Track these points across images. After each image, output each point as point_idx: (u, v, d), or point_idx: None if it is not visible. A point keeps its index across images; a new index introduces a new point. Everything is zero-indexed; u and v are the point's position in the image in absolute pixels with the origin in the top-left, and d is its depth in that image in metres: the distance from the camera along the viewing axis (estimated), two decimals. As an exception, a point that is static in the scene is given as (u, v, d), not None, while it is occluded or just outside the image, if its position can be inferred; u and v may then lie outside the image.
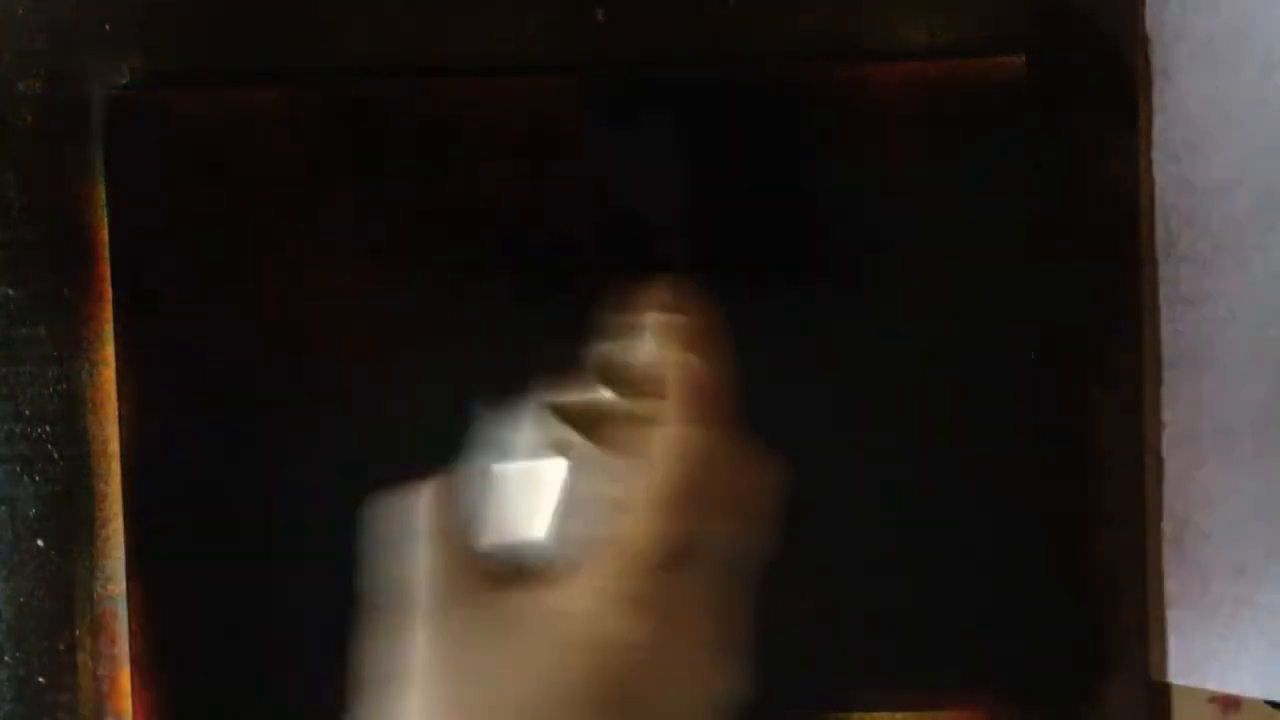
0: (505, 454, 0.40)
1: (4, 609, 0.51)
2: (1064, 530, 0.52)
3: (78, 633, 0.51)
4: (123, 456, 0.51)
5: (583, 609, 0.35)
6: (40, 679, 0.51)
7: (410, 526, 0.38)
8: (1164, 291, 0.53)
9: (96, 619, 0.51)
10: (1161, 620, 0.53)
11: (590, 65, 0.52)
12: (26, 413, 0.51)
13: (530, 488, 0.39)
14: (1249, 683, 0.52)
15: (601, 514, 0.36)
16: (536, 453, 0.39)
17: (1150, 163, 0.53)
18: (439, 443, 0.52)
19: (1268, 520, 0.52)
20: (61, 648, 0.51)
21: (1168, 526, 0.53)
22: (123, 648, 0.51)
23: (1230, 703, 0.53)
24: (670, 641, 0.35)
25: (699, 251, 0.52)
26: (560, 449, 0.38)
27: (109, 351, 0.51)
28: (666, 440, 0.37)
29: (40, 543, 0.51)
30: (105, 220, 0.51)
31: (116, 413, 0.51)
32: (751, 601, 0.38)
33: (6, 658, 0.51)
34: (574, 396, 0.40)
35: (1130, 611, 0.53)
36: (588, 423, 0.38)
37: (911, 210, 0.51)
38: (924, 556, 0.52)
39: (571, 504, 0.37)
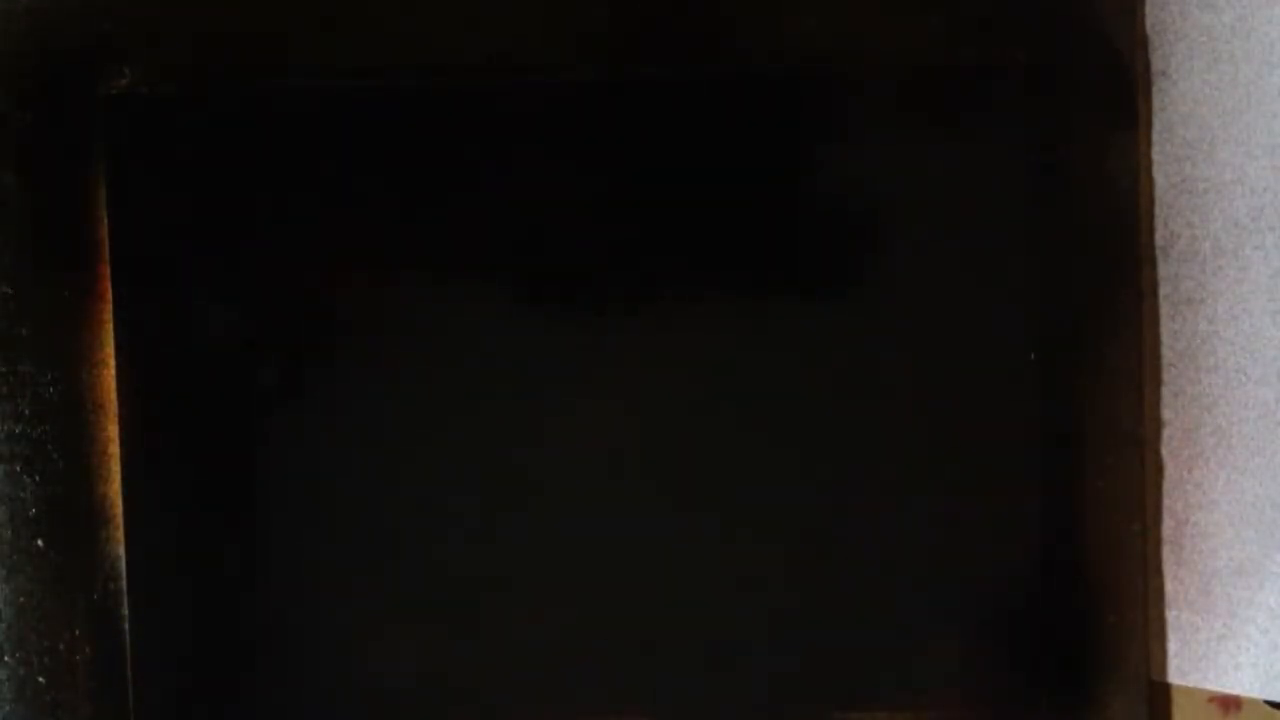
0: None
1: (4, 609, 0.51)
2: (1063, 530, 0.52)
3: (78, 633, 0.51)
4: (123, 456, 0.51)
5: None
6: (40, 679, 0.51)
7: None
8: (1164, 291, 0.53)
9: (96, 619, 0.51)
10: (1161, 620, 0.53)
11: (589, 66, 0.52)
12: (26, 413, 0.51)
13: None
14: (1249, 683, 0.52)
15: None
16: None
17: (1150, 163, 0.53)
18: (438, 444, 0.52)
19: (1268, 520, 0.52)
20: (61, 648, 0.51)
21: (1168, 526, 0.53)
22: (123, 648, 0.51)
23: (1230, 703, 0.53)
24: None
25: (695, 255, 0.52)
26: None
27: (109, 351, 0.51)
28: None
29: (40, 543, 0.51)
30: (105, 220, 0.51)
31: (116, 413, 0.51)
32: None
33: (6, 658, 0.51)
34: None
35: (1130, 611, 0.53)
36: None
37: (910, 210, 0.51)
38: (923, 556, 0.52)
39: None
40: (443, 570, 0.51)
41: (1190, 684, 0.53)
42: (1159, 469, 0.53)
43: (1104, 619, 0.53)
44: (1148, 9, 0.53)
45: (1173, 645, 0.53)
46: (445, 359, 0.51)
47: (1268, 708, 0.53)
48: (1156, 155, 0.53)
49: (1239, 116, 0.52)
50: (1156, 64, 0.53)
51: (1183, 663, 0.53)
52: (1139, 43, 0.53)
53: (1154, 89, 0.53)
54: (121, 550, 0.51)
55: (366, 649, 0.52)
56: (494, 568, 0.51)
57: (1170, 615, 0.53)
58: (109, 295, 0.51)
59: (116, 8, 0.51)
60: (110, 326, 0.51)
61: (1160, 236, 0.53)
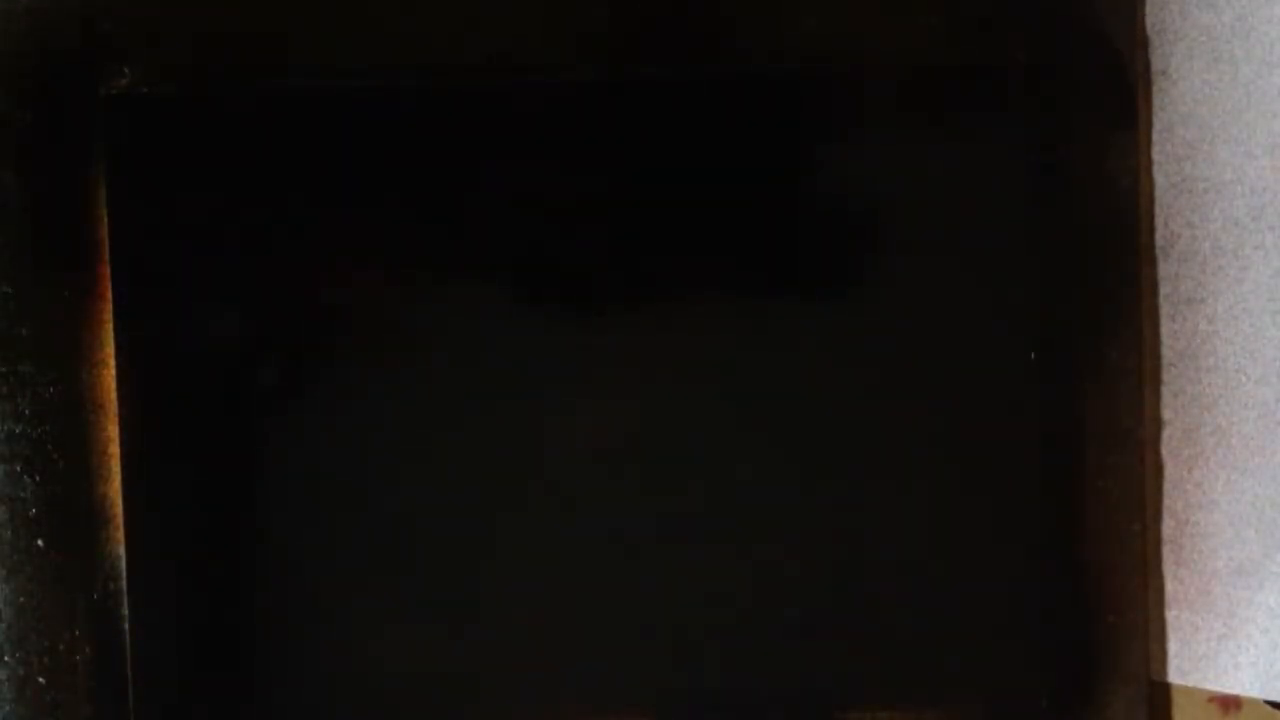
0: None
1: (4, 609, 0.51)
2: (1063, 529, 0.52)
3: (78, 633, 0.51)
4: (123, 456, 0.51)
5: None
6: (40, 679, 0.51)
7: None
8: (1164, 291, 0.53)
9: (96, 619, 0.51)
10: (1161, 620, 0.53)
11: (589, 66, 0.52)
12: (26, 413, 0.51)
13: None
14: (1249, 683, 0.52)
15: None
16: None
17: (1150, 163, 0.53)
18: (438, 444, 0.52)
19: (1268, 520, 0.52)
20: (61, 648, 0.51)
21: (1168, 526, 0.53)
22: (123, 648, 0.51)
23: (1230, 703, 0.53)
24: None
25: (695, 255, 0.52)
26: None
27: (109, 351, 0.51)
28: None
29: (40, 543, 0.51)
30: (105, 220, 0.51)
31: (116, 413, 0.51)
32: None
33: (6, 658, 0.51)
34: None
35: (1130, 611, 0.53)
36: None
37: (910, 210, 0.51)
38: (923, 556, 0.52)
39: None
40: (443, 570, 0.51)
41: (1190, 684, 0.53)
42: (1159, 469, 0.53)
43: (1104, 619, 0.53)
44: (1148, 9, 0.53)
45: (1173, 645, 0.53)
46: (445, 359, 0.51)
47: (1268, 708, 0.53)
48: (1156, 155, 0.53)
49: (1239, 116, 0.52)
50: (1156, 64, 0.53)
51: (1183, 663, 0.53)
52: (1139, 43, 0.53)
53: (1154, 89, 0.53)
54: (121, 550, 0.51)
55: (367, 649, 0.52)
56: (494, 567, 0.51)
57: (1170, 615, 0.53)
58: (109, 295, 0.51)
59: (116, 8, 0.51)
60: (110, 326, 0.51)
61: (1160, 236, 0.53)
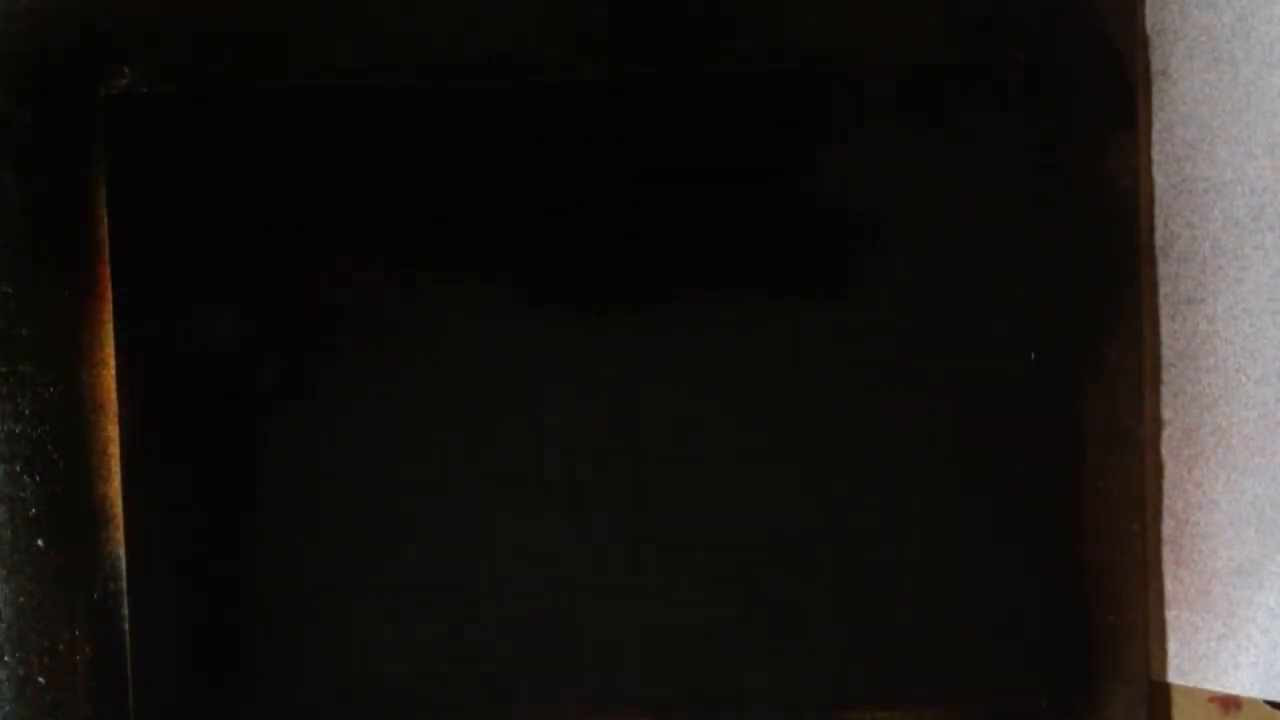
0: None
1: (4, 609, 0.51)
2: (1063, 530, 0.52)
3: (78, 633, 0.51)
4: (123, 456, 0.51)
5: None
6: (40, 679, 0.51)
7: None
8: (1164, 291, 0.53)
9: (96, 619, 0.51)
10: (1161, 620, 0.53)
11: (589, 66, 0.52)
12: (26, 413, 0.51)
13: None
14: (1249, 683, 0.52)
15: None
16: None
17: (1150, 163, 0.53)
18: (438, 444, 0.52)
19: (1268, 520, 0.52)
20: (61, 648, 0.51)
21: (1168, 526, 0.53)
22: (123, 648, 0.51)
23: (1230, 703, 0.53)
24: None
25: (695, 255, 0.52)
26: None
27: (109, 351, 0.51)
28: None
29: (40, 543, 0.51)
30: (105, 220, 0.51)
31: (116, 413, 0.51)
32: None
33: (6, 658, 0.51)
34: None
35: (1130, 611, 0.53)
36: None
37: (910, 210, 0.51)
38: (923, 556, 0.52)
39: None
40: (442, 570, 0.51)
41: (1190, 684, 0.53)
42: (1159, 469, 0.53)
43: (1104, 619, 0.53)
44: (1148, 9, 0.53)
45: (1173, 645, 0.53)
46: (445, 359, 0.51)
47: (1268, 708, 0.53)
48: (1156, 155, 0.53)
49: (1239, 116, 0.52)
50: (1156, 64, 0.53)
51: (1183, 663, 0.53)
52: (1139, 43, 0.53)
53: (1154, 89, 0.53)
54: (121, 550, 0.51)
55: (366, 649, 0.52)
56: (493, 567, 0.51)
57: (1170, 615, 0.53)
58: (109, 295, 0.51)
59: (116, 8, 0.51)
60: (110, 326, 0.51)
61: (1160, 236, 0.53)
